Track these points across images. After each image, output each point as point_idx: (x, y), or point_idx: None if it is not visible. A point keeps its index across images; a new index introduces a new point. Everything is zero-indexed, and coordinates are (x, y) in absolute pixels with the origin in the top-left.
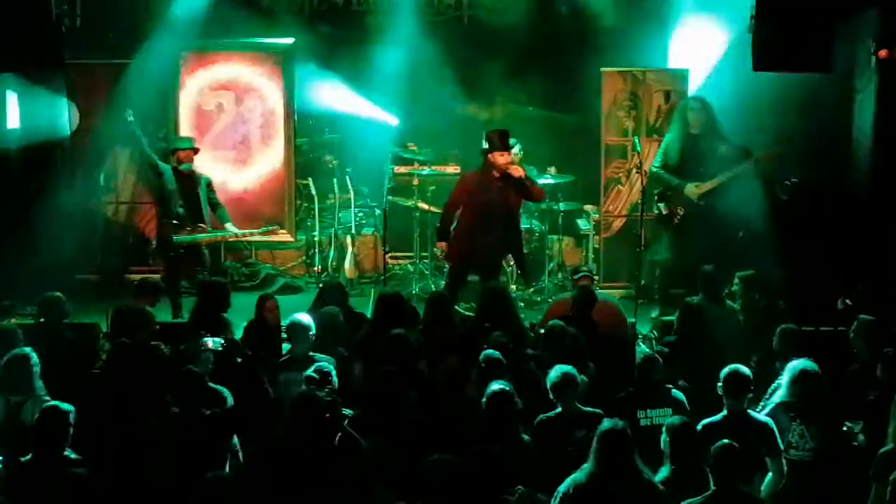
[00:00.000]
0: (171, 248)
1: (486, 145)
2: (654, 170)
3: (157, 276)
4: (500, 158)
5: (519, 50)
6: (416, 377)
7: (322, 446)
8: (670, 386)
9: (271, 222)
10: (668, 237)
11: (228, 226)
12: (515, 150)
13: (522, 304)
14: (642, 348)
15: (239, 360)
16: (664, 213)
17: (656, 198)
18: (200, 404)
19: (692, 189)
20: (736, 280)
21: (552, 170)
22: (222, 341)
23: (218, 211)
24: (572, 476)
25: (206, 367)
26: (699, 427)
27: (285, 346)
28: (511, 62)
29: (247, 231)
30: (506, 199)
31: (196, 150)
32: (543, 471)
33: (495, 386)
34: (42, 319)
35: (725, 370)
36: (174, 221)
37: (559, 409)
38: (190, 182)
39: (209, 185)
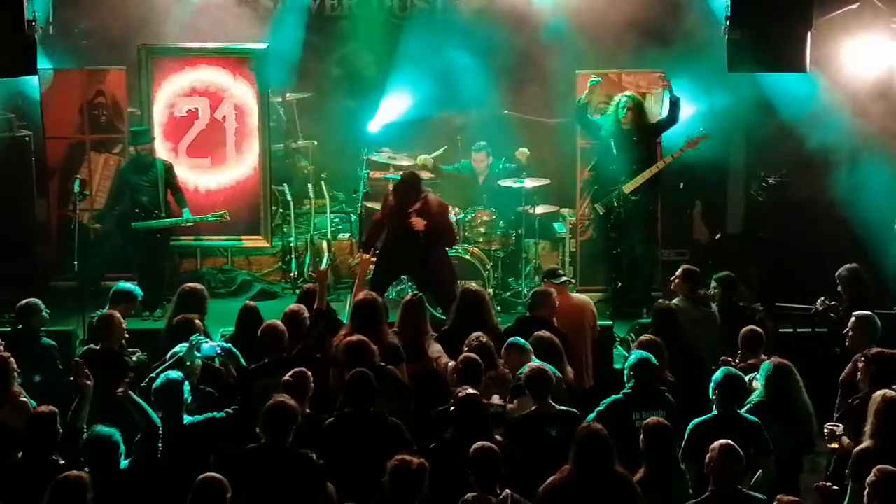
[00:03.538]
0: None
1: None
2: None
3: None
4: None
5: (494, 53)
6: (390, 380)
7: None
8: (664, 388)
9: (247, 228)
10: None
11: (185, 212)
12: (483, 154)
13: (499, 307)
14: (620, 351)
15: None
16: (601, 212)
17: (592, 200)
18: (181, 410)
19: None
20: (713, 282)
21: (524, 150)
22: (219, 349)
23: (177, 195)
24: (552, 478)
25: (192, 371)
26: (689, 427)
27: None
28: (486, 66)
29: (198, 218)
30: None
31: (153, 138)
32: (518, 469)
33: (464, 390)
34: (19, 326)
35: (719, 374)
36: (136, 210)
37: (533, 407)
38: (148, 170)
39: (168, 169)
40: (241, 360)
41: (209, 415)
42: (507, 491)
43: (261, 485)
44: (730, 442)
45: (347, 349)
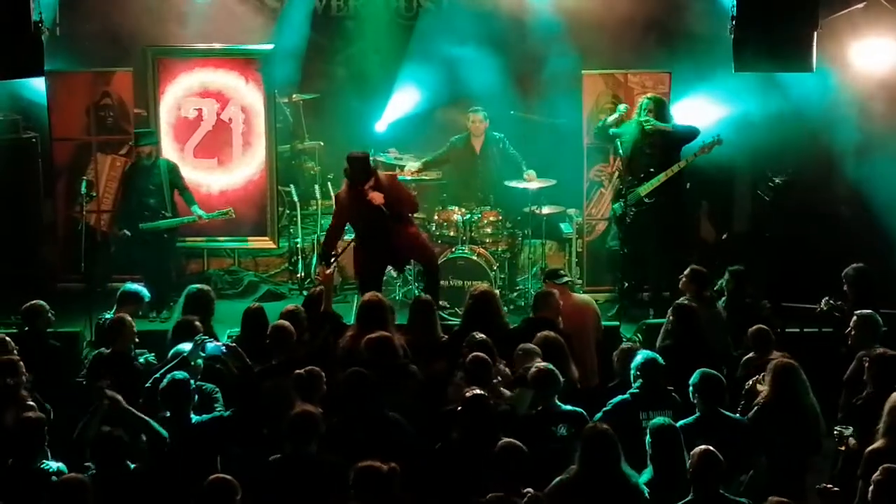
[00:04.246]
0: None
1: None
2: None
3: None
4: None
5: (500, 53)
6: (406, 376)
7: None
8: (671, 388)
9: (253, 229)
10: (620, 233)
11: (195, 208)
12: (480, 116)
13: (506, 308)
14: None
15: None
16: (618, 213)
17: (612, 199)
18: (188, 410)
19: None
20: (726, 274)
21: (532, 174)
22: (223, 349)
23: (184, 195)
24: (558, 478)
25: (195, 371)
26: None
27: None
28: (492, 65)
29: (204, 214)
30: (379, 217)
31: (157, 141)
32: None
33: (471, 390)
34: (25, 328)
35: (695, 375)
36: (144, 212)
37: (540, 407)
38: (151, 173)
39: (172, 169)
40: (246, 360)
41: (216, 414)
42: (531, 490)
43: (288, 494)
44: (709, 448)
45: (371, 345)
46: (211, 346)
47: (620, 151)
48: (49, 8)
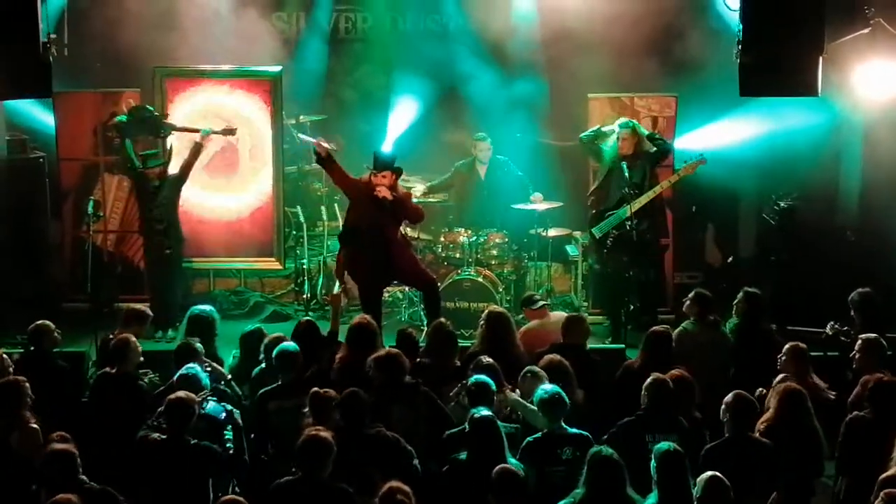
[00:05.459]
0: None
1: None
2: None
3: (145, 305)
4: (374, 178)
5: (506, 76)
6: (416, 395)
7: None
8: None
9: (261, 250)
10: (601, 256)
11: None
12: (487, 144)
13: None
14: None
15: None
16: (598, 237)
17: (589, 225)
18: (185, 430)
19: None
20: (740, 294)
21: (538, 196)
22: (223, 413)
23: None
24: (562, 502)
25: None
26: (703, 452)
27: None
28: (499, 88)
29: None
30: (380, 217)
31: (165, 162)
32: (530, 491)
33: (478, 412)
34: (32, 348)
35: (730, 396)
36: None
37: (545, 430)
38: (157, 193)
39: (177, 179)
40: (240, 424)
41: (214, 447)
42: None
43: None
44: (716, 474)
45: (379, 362)
46: (211, 405)
47: (613, 174)
48: (57, 28)
